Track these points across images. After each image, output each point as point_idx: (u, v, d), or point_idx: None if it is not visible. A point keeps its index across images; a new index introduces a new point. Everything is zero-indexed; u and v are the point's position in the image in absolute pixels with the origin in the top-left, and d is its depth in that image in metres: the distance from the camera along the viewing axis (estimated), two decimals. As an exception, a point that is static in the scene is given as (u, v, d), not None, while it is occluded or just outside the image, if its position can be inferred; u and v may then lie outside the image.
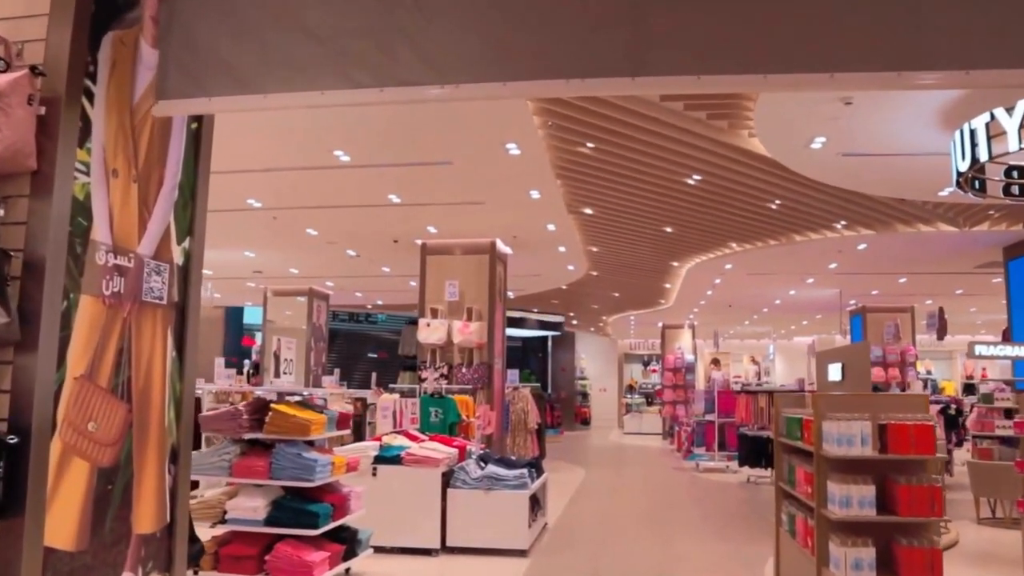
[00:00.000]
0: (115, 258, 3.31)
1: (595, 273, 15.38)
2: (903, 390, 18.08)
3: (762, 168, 8.41)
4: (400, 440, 7.29)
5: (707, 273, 14.62)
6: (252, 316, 22.65)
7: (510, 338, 26.85)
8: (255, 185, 9.33)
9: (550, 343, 28.17)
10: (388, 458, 6.85)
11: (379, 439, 7.32)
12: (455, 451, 7.25)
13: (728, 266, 13.77)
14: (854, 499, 4.05)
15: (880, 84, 3.08)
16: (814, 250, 12.21)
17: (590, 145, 7.91)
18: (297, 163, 8.38)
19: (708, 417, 14.06)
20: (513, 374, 14.49)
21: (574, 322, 25.68)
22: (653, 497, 11.60)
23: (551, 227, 11.11)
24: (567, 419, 26.16)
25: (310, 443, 5.78)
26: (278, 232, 11.85)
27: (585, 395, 29.23)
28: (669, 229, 11.48)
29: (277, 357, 5.73)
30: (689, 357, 23.39)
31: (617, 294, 18.30)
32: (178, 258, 3.77)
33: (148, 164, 3.55)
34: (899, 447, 4.12)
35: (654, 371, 31.73)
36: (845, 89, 3.10)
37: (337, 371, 16.92)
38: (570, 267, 14.35)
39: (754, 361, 31.72)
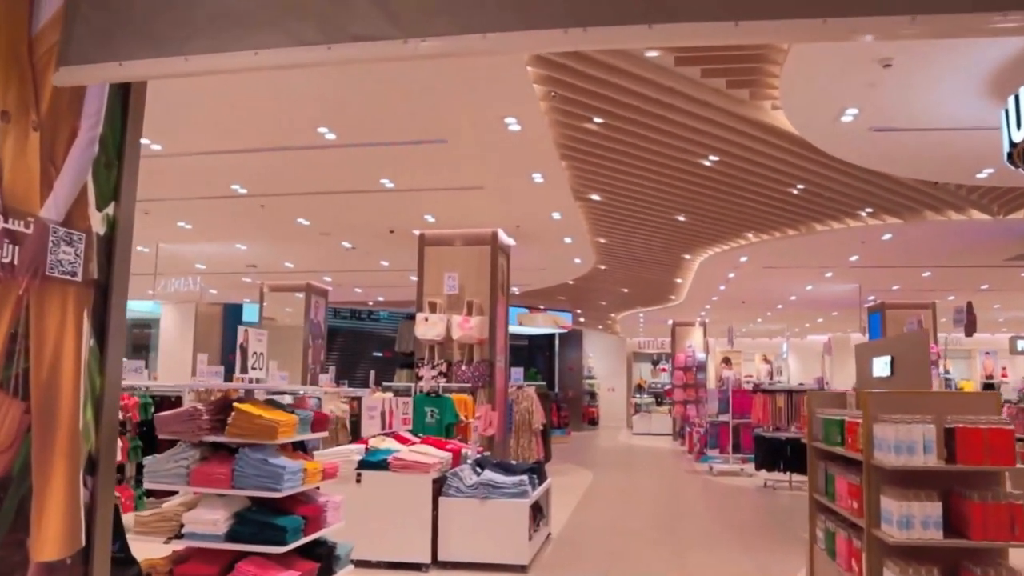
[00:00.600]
0: (5, 221, 2.66)
1: (603, 267, 14.70)
2: (924, 389, 17.37)
3: (785, 147, 7.71)
4: (389, 443, 6.63)
5: (720, 266, 13.92)
6: (251, 314, 22.05)
7: (515, 336, 26.25)
8: (238, 168, 8.70)
9: (557, 341, 27.49)
10: (374, 463, 6.19)
11: (365, 442, 6.66)
12: (448, 455, 6.58)
13: (743, 259, 13.07)
14: (916, 519, 3.36)
15: (963, 28, 2.32)
16: (836, 241, 11.50)
17: (597, 120, 7.23)
18: (279, 142, 7.74)
19: (722, 418, 13.37)
20: (517, 372, 13.82)
21: (581, 319, 25.00)
22: (666, 503, 10.91)
23: (556, 215, 10.44)
24: (574, 419, 25.48)
25: (301, 446, 5.15)
26: (267, 222, 11.21)
27: (593, 395, 28.54)
28: (682, 217, 10.79)
29: (244, 350, 5.02)
30: (700, 355, 22.70)
31: (626, 290, 17.62)
32: (98, 227, 3.10)
33: (56, 111, 2.89)
34: (970, 456, 3.42)
35: (663, 370, 31.00)
36: (926, 33, 2.24)
37: (333, 369, 16.32)
38: (577, 260, 13.68)
39: (766, 360, 30.98)
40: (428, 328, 10.84)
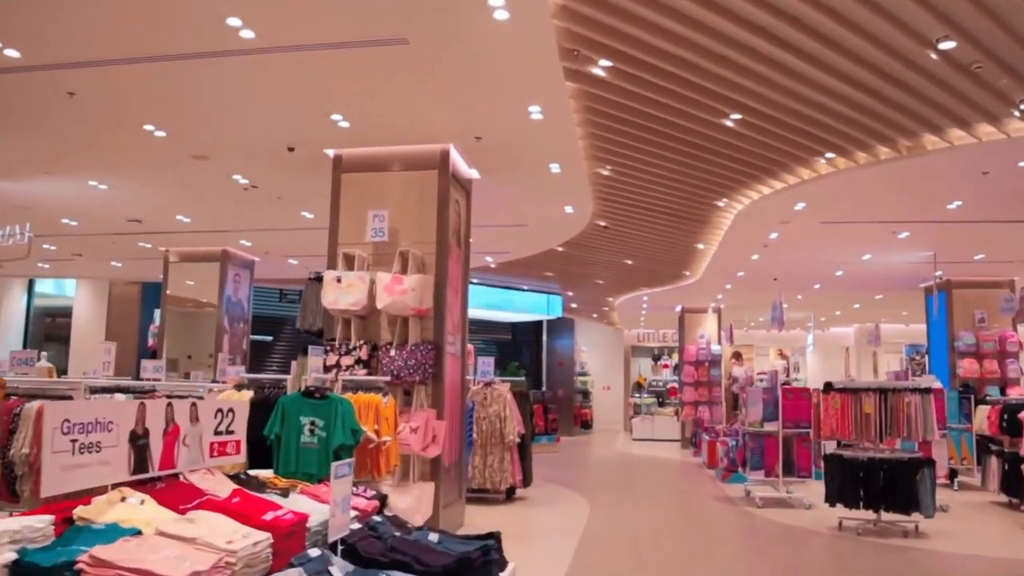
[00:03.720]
0: None
1: (603, 223, 10.97)
2: (1003, 388, 13.73)
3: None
4: (131, 509, 2.87)
5: (763, 221, 10.22)
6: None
7: (496, 325, 22.44)
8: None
9: (545, 331, 23.73)
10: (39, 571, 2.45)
11: (86, 503, 2.90)
12: (265, 536, 2.80)
13: (799, 205, 9.36)
14: None
15: None
16: (951, 164, 7.82)
17: None
18: None
19: (768, 427, 9.66)
20: (486, 364, 10.13)
21: (573, 306, 21.23)
22: (706, 561, 7.16)
23: (535, 113, 6.68)
24: (563, 423, 21.74)
25: None
26: (103, 133, 7.46)
27: (586, 394, 24.81)
28: (730, 122, 7.08)
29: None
30: (715, 348, 19.03)
31: (630, 261, 13.89)
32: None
33: None
34: None
35: (665, 366, 27.34)
36: None
37: (238, 358, 12.61)
38: (568, 208, 9.93)
39: (782, 355, 27.29)
40: (341, 293, 7.11)
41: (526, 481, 9.88)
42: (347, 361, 7.10)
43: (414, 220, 7.42)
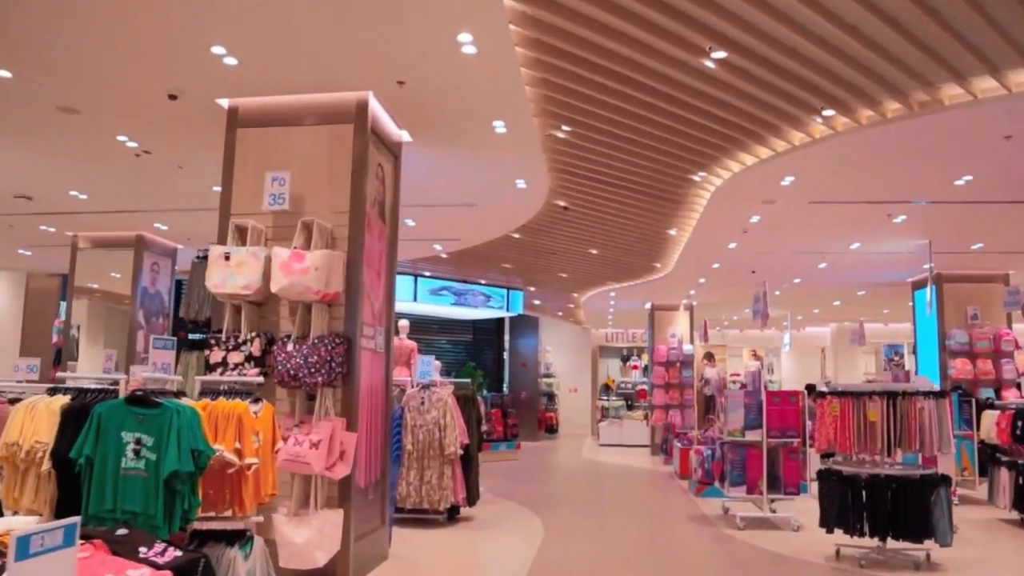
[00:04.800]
0: None
1: (563, 204, 9.64)
2: (998, 391, 12.62)
3: None
4: None
5: (744, 200, 8.97)
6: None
7: (455, 324, 20.87)
8: None
9: (508, 329, 22.35)
10: None
11: None
12: None
13: (787, 180, 8.10)
14: None
15: None
16: (965, 126, 6.59)
17: None
18: None
19: (750, 435, 8.37)
20: (426, 362, 8.76)
21: (536, 302, 19.88)
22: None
23: (467, 44, 5.30)
24: (528, 427, 20.40)
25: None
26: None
27: (551, 396, 23.45)
28: (709, 63, 5.77)
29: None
30: (687, 348, 17.78)
31: (595, 251, 12.57)
32: None
33: None
34: None
35: (635, 367, 26.10)
36: None
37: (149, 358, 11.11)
38: (520, 182, 8.56)
39: (756, 356, 26.15)
40: (229, 273, 5.69)
41: (471, 499, 8.50)
42: (235, 358, 5.67)
43: (324, 185, 6.02)
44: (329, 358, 5.53)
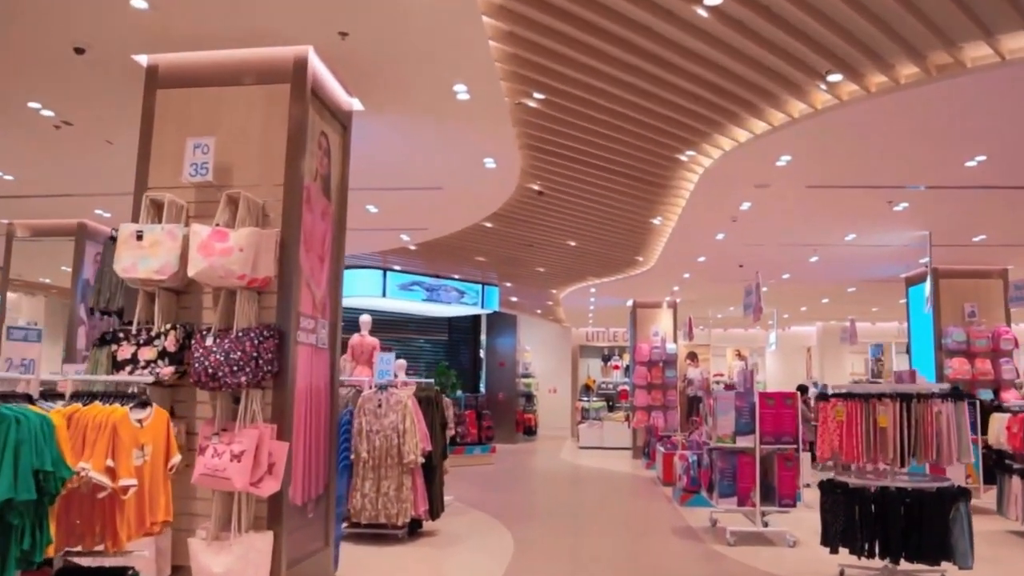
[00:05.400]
0: None
1: (537, 187, 8.84)
2: (996, 392, 11.97)
3: None
4: None
5: (735, 182, 8.21)
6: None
7: (430, 322, 19.95)
8: None
9: (484, 328, 21.51)
10: None
11: None
12: None
13: (783, 160, 7.35)
14: None
15: None
16: (986, 92, 5.87)
17: None
18: None
19: (742, 442, 7.61)
20: (386, 360, 7.94)
21: (513, 299, 19.06)
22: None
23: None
24: (505, 429, 19.58)
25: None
26: None
27: (530, 397, 22.65)
28: (704, 13, 4.99)
29: None
30: (671, 347, 17.03)
31: (573, 243, 11.77)
32: None
33: None
34: None
35: (616, 367, 25.34)
36: None
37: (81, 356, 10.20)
38: (489, 162, 7.74)
39: (740, 356, 25.49)
40: (141, 255, 4.84)
41: (433, 512, 7.68)
42: (147, 354, 4.81)
43: (256, 155, 5.19)
44: (255, 354, 4.69)
